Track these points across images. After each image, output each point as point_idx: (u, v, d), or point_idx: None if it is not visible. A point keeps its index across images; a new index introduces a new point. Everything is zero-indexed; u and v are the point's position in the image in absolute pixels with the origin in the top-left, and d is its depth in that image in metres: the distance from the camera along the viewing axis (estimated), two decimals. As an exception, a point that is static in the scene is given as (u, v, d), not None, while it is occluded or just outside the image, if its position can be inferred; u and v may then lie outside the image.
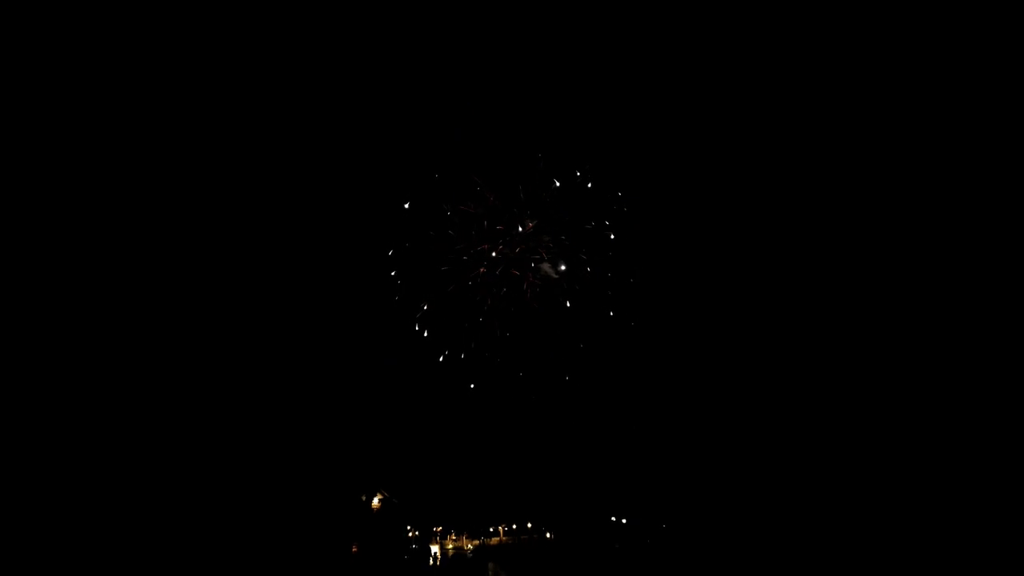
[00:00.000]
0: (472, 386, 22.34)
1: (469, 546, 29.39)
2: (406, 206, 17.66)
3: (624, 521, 30.69)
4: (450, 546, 29.07)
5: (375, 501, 22.82)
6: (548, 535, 31.42)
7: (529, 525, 31.06)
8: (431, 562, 25.27)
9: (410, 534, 25.97)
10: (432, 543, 26.92)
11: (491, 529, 30.05)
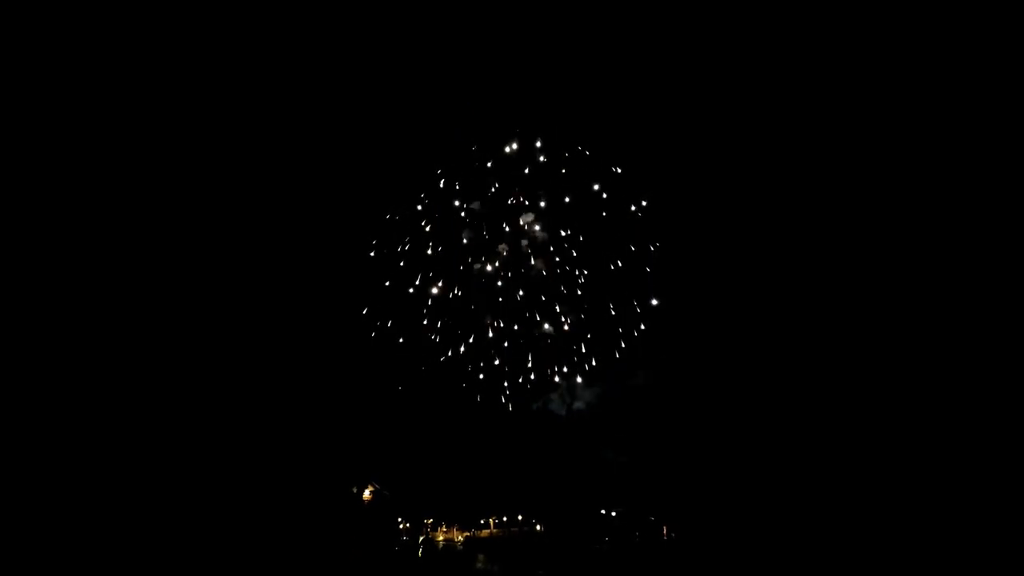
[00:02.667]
0: (464, 384, 22.31)
1: (459, 538, 29.39)
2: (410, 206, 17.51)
3: (614, 514, 30.88)
4: (440, 538, 29.05)
5: (366, 493, 22.68)
6: (538, 527, 31.52)
7: (519, 517, 31.12)
8: (419, 553, 25.21)
9: (401, 526, 25.89)
10: (421, 534, 26.85)
11: (481, 521, 30.05)
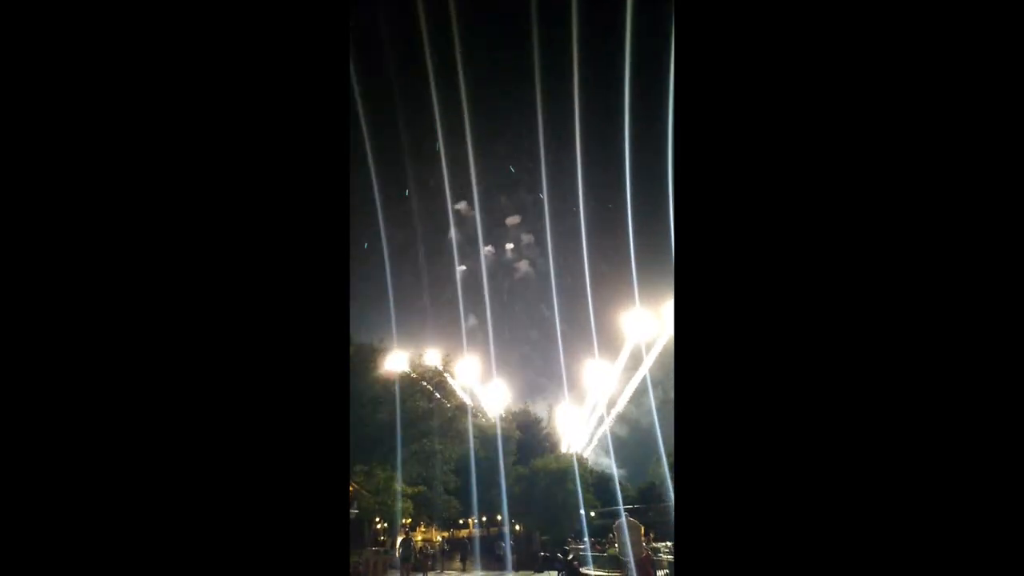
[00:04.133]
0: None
1: (438, 538, 28.81)
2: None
3: (592, 514, 30.70)
4: (419, 538, 28.40)
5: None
6: (517, 527, 31.06)
7: (499, 517, 30.62)
8: (397, 553, 24.48)
9: (378, 525, 25.13)
10: (399, 534, 26.10)
11: (461, 521, 29.50)
